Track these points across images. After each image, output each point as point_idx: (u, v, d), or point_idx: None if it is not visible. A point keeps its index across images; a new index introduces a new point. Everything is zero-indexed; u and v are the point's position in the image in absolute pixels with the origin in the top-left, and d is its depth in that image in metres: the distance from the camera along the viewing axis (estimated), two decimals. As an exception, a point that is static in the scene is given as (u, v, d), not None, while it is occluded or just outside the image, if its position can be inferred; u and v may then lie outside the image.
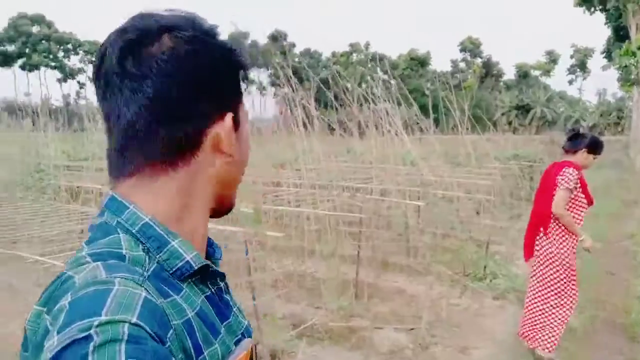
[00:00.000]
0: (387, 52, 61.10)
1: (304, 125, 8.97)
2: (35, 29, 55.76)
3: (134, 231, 0.65)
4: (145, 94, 0.65)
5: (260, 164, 10.21)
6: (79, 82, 58.18)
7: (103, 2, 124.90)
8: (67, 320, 0.52)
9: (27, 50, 54.89)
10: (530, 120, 47.47)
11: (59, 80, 56.63)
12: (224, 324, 0.71)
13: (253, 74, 54.58)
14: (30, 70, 56.16)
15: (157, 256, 0.65)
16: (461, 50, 62.58)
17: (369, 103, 8.38)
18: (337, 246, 4.93)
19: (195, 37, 0.69)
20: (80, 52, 58.61)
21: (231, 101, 0.72)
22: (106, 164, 0.72)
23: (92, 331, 0.49)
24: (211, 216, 0.76)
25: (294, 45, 54.65)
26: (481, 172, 9.75)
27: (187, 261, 0.66)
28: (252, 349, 0.75)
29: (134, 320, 0.52)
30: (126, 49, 0.66)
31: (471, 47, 61.50)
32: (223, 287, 0.74)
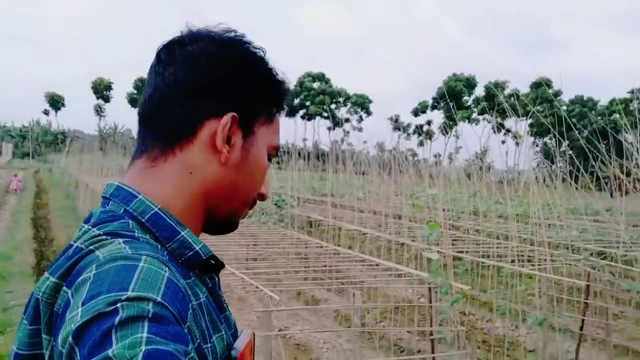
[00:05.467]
0: (684, 99, 50.27)
1: (564, 179, 8.03)
2: (315, 85, 65.23)
3: (143, 220, 0.66)
4: (164, 78, 0.71)
5: (487, 214, 9.54)
6: (344, 130, 65.18)
7: (371, 57, 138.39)
8: (93, 292, 0.52)
9: (307, 103, 64.43)
10: None
11: (329, 129, 64.51)
12: (222, 316, 0.72)
13: (509, 123, 52.04)
14: (308, 120, 65.66)
15: (167, 245, 0.66)
16: None
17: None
18: (549, 315, 4.16)
19: (227, 44, 0.74)
20: (348, 104, 65.87)
21: (244, 109, 0.73)
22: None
23: (118, 305, 0.50)
24: (207, 228, 0.76)
25: (560, 92, 50.20)
26: None
27: (197, 251, 0.68)
28: (253, 337, 0.77)
29: (159, 299, 0.52)
30: (169, 44, 0.74)
31: None
32: (217, 282, 0.75)
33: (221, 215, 0.75)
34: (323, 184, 14.92)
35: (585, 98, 55.09)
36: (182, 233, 0.67)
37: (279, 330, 5.56)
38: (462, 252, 5.91)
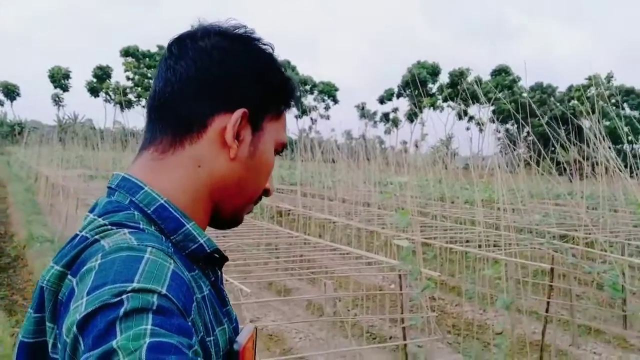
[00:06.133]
0: (638, 86, 52.09)
1: (527, 163, 8.22)
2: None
3: (148, 211, 0.67)
4: (175, 71, 0.72)
5: (454, 200, 9.73)
6: (311, 119, 65.04)
7: (336, 47, 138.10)
8: (98, 282, 0.52)
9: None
10: None
11: (296, 117, 64.22)
12: (224, 309, 0.72)
13: (473, 110, 53.04)
14: (274, 108, 65.13)
15: (172, 237, 0.67)
16: None
17: (608, 142, 7.11)
18: (515, 298, 4.27)
19: (239, 40, 0.75)
20: (315, 91, 65.64)
21: (254, 105, 0.74)
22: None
23: (124, 296, 0.50)
24: (213, 222, 0.77)
25: (518, 79, 51.25)
26: None
27: (201, 244, 0.68)
28: (255, 332, 0.78)
29: (163, 291, 0.52)
30: (180, 38, 0.75)
31: None
32: (219, 276, 0.76)
33: (227, 210, 0.76)
34: (292, 173, 14.87)
35: (544, 85, 56.52)
36: (187, 226, 0.68)
37: (250, 322, 5.53)
38: (430, 238, 5.99)
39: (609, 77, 49.84)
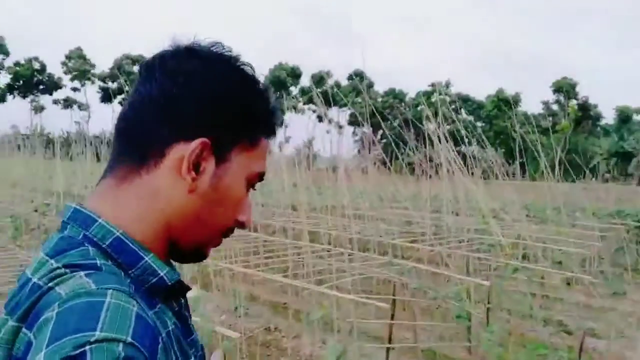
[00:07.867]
0: (471, 93, 57.80)
1: (384, 164, 8.02)
2: (135, 68, 60.28)
3: (104, 245, 0.63)
4: (140, 94, 0.69)
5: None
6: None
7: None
8: (58, 334, 0.49)
9: (126, 88, 58.89)
10: (635, 168, 42.56)
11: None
12: (189, 339, 0.70)
13: (332, 113, 54.43)
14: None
15: (130, 271, 0.63)
16: (555, 91, 58.19)
17: (449, 144, 6.92)
18: (350, 343, 3.46)
19: (211, 60, 0.69)
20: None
21: (220, 134, 0.68)
22: None
23: (87, 348, 0.47)
24: (173, 256, 0.71)
25: (372, 85, 53.81)
26: (574, 231, 7.79)
27: (162, 277, 0.65)
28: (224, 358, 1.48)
29: (128, 339, 0.50)
30: (151, 59, 0.71)
31: (567, 88, 56.80)
32: (184, 304, 0.72)
33: (187, 243, 0.70)
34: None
35: (397, 90, 60.10)
36: (146, 259, 0.64)
37: None
38: (250, 264, 5.02)
39: (447, 84, 54.42)
